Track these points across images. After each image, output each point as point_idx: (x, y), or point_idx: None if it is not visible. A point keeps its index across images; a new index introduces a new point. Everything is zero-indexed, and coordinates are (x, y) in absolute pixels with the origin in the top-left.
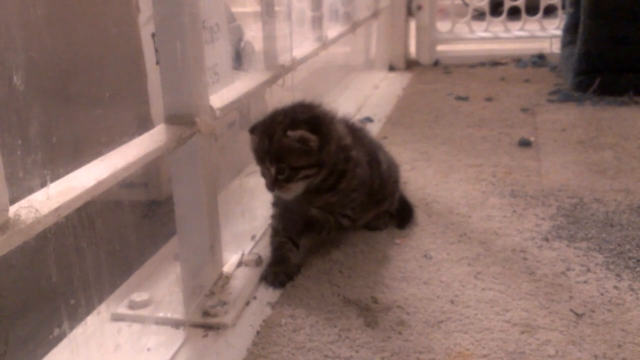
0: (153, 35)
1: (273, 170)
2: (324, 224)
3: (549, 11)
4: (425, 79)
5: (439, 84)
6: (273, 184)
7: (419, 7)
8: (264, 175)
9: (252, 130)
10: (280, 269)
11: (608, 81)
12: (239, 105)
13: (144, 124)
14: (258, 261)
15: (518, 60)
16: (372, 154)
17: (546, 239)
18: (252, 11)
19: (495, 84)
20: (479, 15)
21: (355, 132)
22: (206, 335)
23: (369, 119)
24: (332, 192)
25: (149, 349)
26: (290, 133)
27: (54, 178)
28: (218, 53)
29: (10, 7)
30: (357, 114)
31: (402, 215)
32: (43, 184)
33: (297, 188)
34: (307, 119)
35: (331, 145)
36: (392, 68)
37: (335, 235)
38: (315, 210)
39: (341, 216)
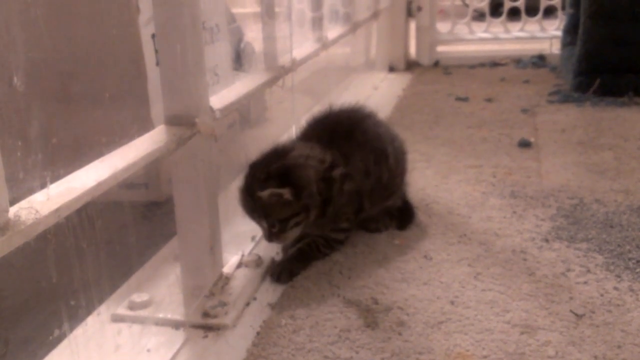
0: (153, 36)
1: (265, 224)
2: (311, 251)
3: (549, 12)
4: (425, 80)
5: (439, 85)
6: (270, 237)
7: (419, 8)
8: (259, 226)
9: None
10: (284, 266)
11: (608, 82)
12: (239, 106)
13: (144, 125)
14: (258, 262)
15: (518, 61)
16: (378, 149)
17: (546, 240)
18: (252, 12)
19: (495, 85)
20: (479, 16)
21: (355, 129)
22: (206, 336)
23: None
24: (322, 219)
25: (149, 350)
26: (259, 193)
27: (54, 179)
28: (218, 54)
29: (10, 7)
30: None
31: (402, 215)
32: (43, 185)
33: (293, 234)
34: (277, 172)
35: (310, 187)
36: (392, 69)
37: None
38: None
39: (335, 232)
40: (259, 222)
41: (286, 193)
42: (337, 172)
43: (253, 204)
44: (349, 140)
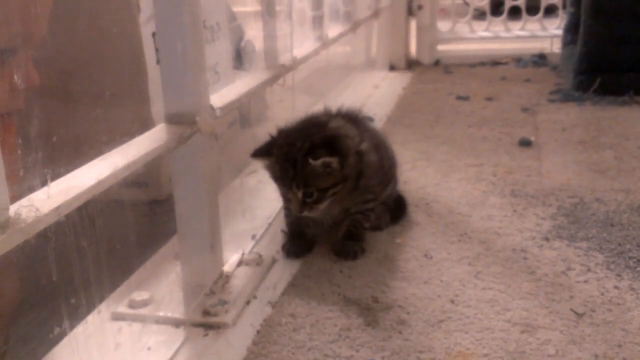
0: (154, 34)
1: (300, 195)
2: (357, 229)
3: (550, 11)
4: (426, 79)
5: (439, 84)
6: (302, 208)
7: (420, 7)
8: (288, 198)
9: (255, 155)
10: (297, 242)
11: (609, 81)
12: (239, 104)
13: (144, 123)
14: (258, 260)
15: (519, 60)
16: (378, 136)
17: (546, 239)
18: (252, 10)
19: (495, 84)
20: (480, 15)
21: (358, 118)
22: (206, 335)
23: (369, 119)
24: (355, 192)
25: (149, 348)
26: (312, 162)
27: (55, 177)
28: (219, 52)
29: (11, 4)
30: None
31: (396, 210)
32: (44, 183)
33: (324, 206)
34: (324, 141)
35: (350, 159)
36: (392, 67)
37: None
38: (340, 238)
39: (363, 203)
40: (294, 192)
41: (334, 162)
42: (364, 145)
43: (293, 173)
44: (357, 124)
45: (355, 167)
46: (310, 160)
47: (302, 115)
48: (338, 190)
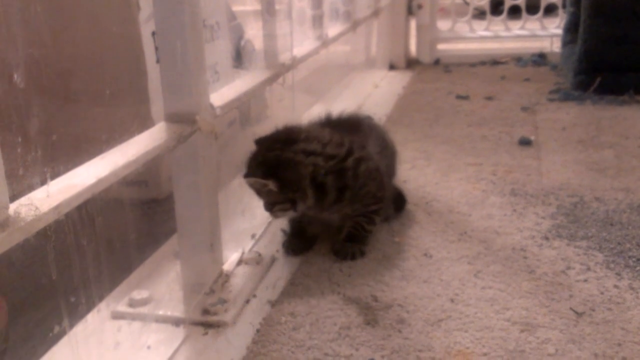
0: (153, 33)
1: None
2: (359, 232)
3: (550, 10)
4: (426, 78)
5: (439, 83)
6: (265, 209)
7: (420, 6)
8: None
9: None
10: (297, 240)
11: (608, 80)
12: (239, 103)
13: (144, 122)
14: (258, 259)
15: (518, 59)
16: (382, 137)
17: (546, 238)
18: (252, 9)
19: (495, 83)
20: (480, 14)
21: (360, 124)
22: (206, 333)
23: (368, 117)
24: (342, 203)
25: (149, 347)
26: (245, 179)
27: (54, 176)
28: (218, 51)
29: (10, 4)
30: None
31: (396, 201)
32: (43, 182)
33: (284, 215)
34: (269, 162)
35: (298, 184)
36: (392, 67)
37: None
38: (340, 241)
39: (367, 206)
40: None
41: (270, 184)
42: (349, 162)
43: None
44: (358, 131)
45: (322, 186)
46: (244, 177)
47: (303, 114)
48: (286, 208)
